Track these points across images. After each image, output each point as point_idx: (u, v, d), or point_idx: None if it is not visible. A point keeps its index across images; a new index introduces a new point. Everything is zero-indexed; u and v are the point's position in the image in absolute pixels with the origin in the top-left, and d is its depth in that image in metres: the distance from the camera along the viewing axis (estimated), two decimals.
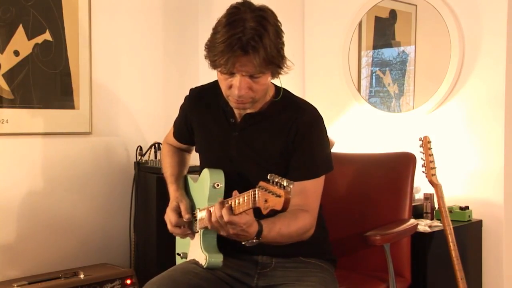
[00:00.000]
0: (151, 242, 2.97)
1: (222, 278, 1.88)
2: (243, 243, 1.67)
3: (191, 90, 2.05)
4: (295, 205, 1.78)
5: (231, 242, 1.81)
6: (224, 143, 1.92)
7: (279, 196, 1.45)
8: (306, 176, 1.83)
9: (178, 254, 2.06)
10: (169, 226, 1.93)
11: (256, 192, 1.52)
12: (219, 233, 1.71)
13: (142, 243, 3.10)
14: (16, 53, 2.81)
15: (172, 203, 1.96)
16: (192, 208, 1.98)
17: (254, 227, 1.64)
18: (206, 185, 1.86)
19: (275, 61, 1.72)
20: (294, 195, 1.77)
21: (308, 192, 1.83)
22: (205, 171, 1.89)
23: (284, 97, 1.91)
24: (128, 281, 2.82)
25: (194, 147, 2.14)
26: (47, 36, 2.90)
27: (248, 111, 1.87)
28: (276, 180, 1.47)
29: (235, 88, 1.74)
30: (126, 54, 3.25)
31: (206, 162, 1.98)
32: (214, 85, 1.94)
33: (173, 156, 2.16)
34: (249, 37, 1.65)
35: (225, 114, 1.92)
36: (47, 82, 2.92)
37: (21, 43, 2.82)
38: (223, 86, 1.80)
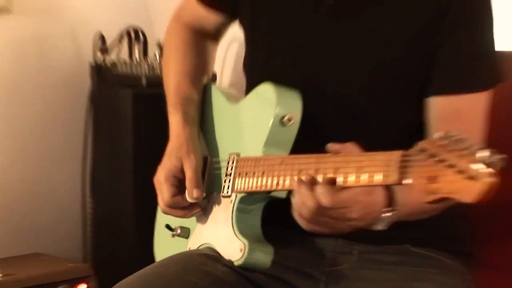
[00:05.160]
0: (125, 217, 2.34)
1: (256, 283, 1.32)
2: (376, 227, 1.15)
3: None
4: None
5: (279, 215, 1.23)
6: (305, 25, 1.45)
7: (472, 178, 0.86)
8: (462, 87, 1.35)
9: (169, 228, 1.48)
10: (160, 203, 1.44)
11: (412, 159, 0.97)
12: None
13: (107, 219, 2.48)
14: None
15: (166, 162, 1.42)
16: (211, 154, 1.51)
17: (376, 194, 1.12)
18: (264, 114, 1.36)
19: None
20: (442, 120, 1.43)
21: (464, 116, 1.37)
22: (267, 88, 1.38)
23: None
24: (83, 286, 2.21)
25: (228, 26, 1.61)
26: None
27: None
28: (460, 140, 0.92)
29: None
30: None
31: (261, 60, 1.51)
32: None
33: (187, 51, 1.64)
34: None
35: None
36: None
37: None
38: None
